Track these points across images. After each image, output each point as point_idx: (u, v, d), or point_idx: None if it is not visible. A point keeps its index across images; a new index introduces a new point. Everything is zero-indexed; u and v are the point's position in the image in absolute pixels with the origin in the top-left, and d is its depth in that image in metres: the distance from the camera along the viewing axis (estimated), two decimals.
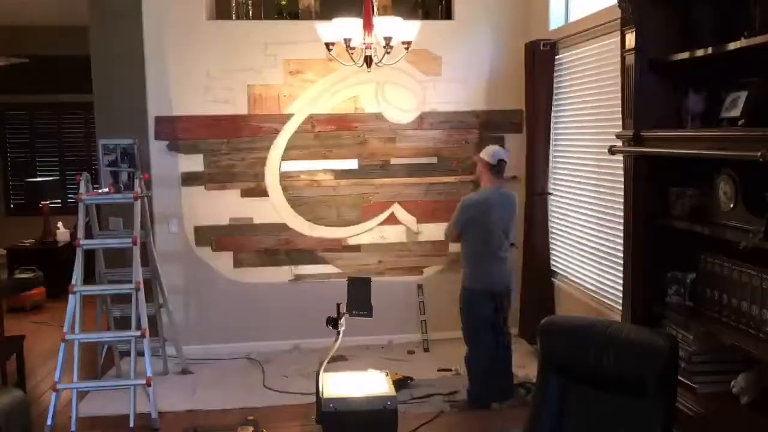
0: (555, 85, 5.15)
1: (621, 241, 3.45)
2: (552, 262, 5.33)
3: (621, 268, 3.48)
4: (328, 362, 2.76)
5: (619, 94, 3.35)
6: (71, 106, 8.76)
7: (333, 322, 2.82)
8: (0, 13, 7.18)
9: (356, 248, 5.66)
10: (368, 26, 4.00)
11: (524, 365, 4.97)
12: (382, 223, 5.68)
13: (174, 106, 5.41)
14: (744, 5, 2.63)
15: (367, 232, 5.67)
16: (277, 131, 5.51)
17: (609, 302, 4.35)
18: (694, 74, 2.95)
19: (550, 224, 5.32)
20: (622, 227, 3.38)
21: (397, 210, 5.68)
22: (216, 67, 5.40)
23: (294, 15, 5.63)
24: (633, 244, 3.20)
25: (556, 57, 5.10)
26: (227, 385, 4.86)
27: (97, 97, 5.39)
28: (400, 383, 4.45)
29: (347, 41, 4.05)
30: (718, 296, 2.80)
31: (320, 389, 2.67)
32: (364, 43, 4.06)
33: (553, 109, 5.18)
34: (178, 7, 5.35)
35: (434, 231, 5.61)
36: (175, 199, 5.45)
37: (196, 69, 5.39)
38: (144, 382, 4.26)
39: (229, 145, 5.46)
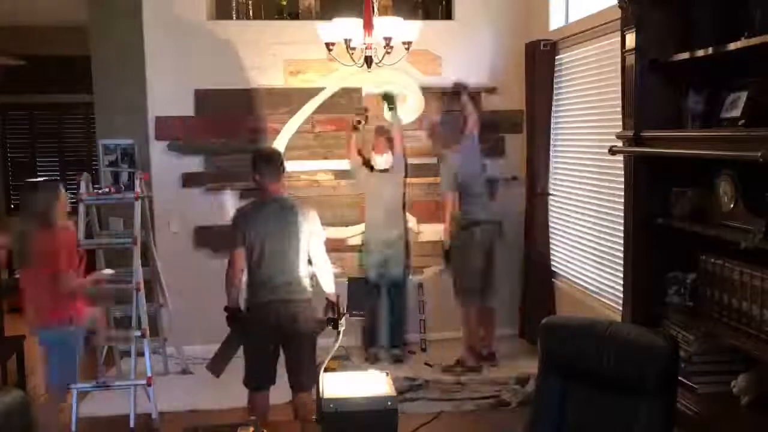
0: (555, 86, 5.16)
1: (621, 241, 3.45)
2: (552, 262, 5.33)
3: (621, 268, 3.48)
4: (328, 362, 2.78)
5: (620, 95, 3.35)
6: (71, 106, 8.74)
7: (333, 322, 2.82)
8: (0, 13, 7.17)
9: (356, 248, 5.66)
10: (368, 26, 4.01)
11: (525, 365, 4.96)
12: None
13: (174, 106, 5.40)
14: (744, 5, 2.63)
15: None
16: (277, 131, 5.51)
17: (609, 302, 4.35)
18: (694, 74, 2.95)
19: (551, 224, 5.32)
20: (622, 227, 3.38)
21: None
22: (216, 67, 5.40)
23: (294, 15, 5.64)
24: (633, 244, 3.20)
25: (556, 57, 5.10)
26: (227, 385, 4.85)
27: (97, 97, 5.39)
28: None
29: (348, 41, 4.06)
30: (719, 296, 2.80)
31: (320, 389, 2.67)
32: (365, 44, 4.07)
33: (554, 109, 5.19)
34: (178, 7, 5.35)
35: (435, 231, 5.60)
36: (175, 200, 5.45)
37: (196, 69, 5.39)
38: (144, 382, 4.27)
39: (229, 146, 5.45)
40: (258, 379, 3.68)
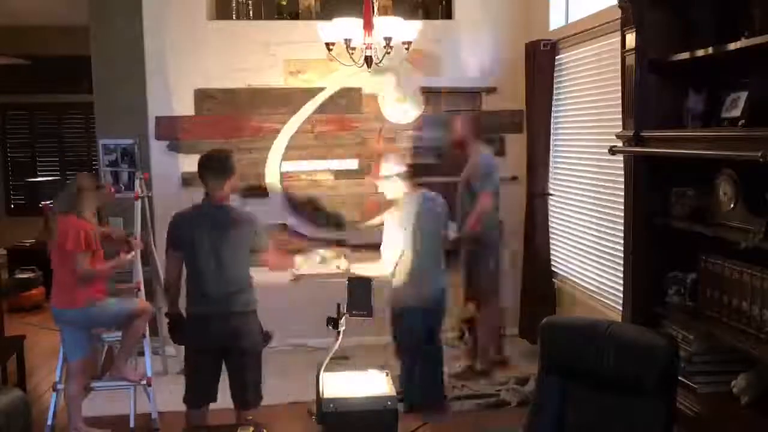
0: (555, 85, 5.15)
1: (621, 241, 3.45)
2: (552, 262, 5.33)
3: (621, 268, 3.48)
4: (328, 362, 2.77)
5: (619, 95, 3.35)
6: (71, 106, 8.75)
7: (333, 322, 2.81)
8: (0, 13, 7.18)
9: (356, 248, 5.65)
10: (368, 26, 4.01)
11: (525, 365, 4.96)
12: (382, 223, 5.67)
13: (174, 106, 5.41)
14: (744, 5, 2.63)
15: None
16: (277, 131, 5.51)
17: (609, 302, 4.35)
18: (694, 74, 2.95)
19: (551, 224, 5.32)
20: (622, 227, 3.38)
21: None
22: (216, 67, 5.40)
23: (294, 15, 5.64)
24: (633, 244, 3.20)
25: (556, 57, 5.10)
26: (226, 385, 4.84)
27: (97, 97, 5.39)
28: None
29: (348, 41, 4.06)
30: (719, 296, 2.80)
31: (320, 389, 2.67)
32: (365, 44, 4.07)
33: (554, 109, 5.19)
34: (178, 7, 5.35)
35: None
36: (175, 199, 5.43)
37: (196, 69, 5.39)
38: (144, 382, 4.26)
39: (229, 145, 5.45)
40: (197, 397, 3.50)
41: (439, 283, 4.23)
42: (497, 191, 4.78)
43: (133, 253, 4.33)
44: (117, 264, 4.14)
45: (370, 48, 4.08)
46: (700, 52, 2.76)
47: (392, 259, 4.18)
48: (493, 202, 4.72)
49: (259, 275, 5.44)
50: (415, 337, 4.22)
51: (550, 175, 5.27)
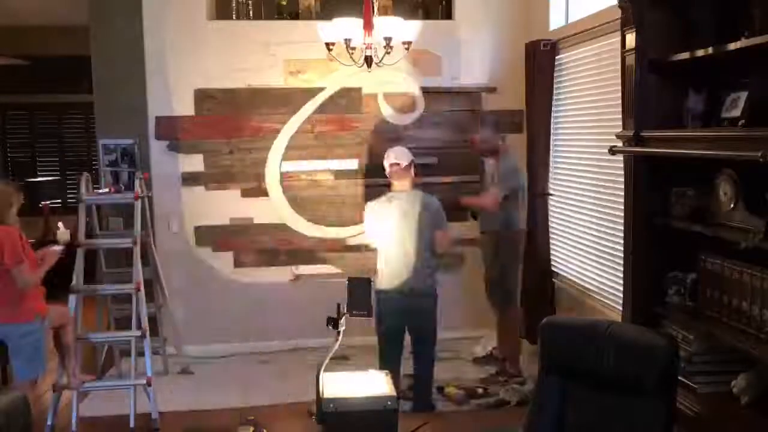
0: (555, 85, 5.15)
1: (621, 241, 3.46)
2: (552, 262, 5.32)
3: (621, 268, 3.48)
4: (328, 362, 2.78)
5: (620, 95, 3.35)
6: (71, 106, 8.75)
7: (333, 322, 2.82)
8: (0, 13, 7.18)
9: (357, 248, 5.66)
10: (368, 26, 4.01)
11: (525, 365, 4.97)
12: None
13: (174, 106, 5.41)
14: (744, 5, 2.63)
15: None
16: (277, 131, 5.51)
17: (609, 302, 4.35)
18: (694, 74, 2.95)
19: (551, 224, 5.32)
20: (622, 227, 3.38)
21: None
22: (216, 67, 5.40)
23: (294, 15, 5.64)
24: (633, 244, 3.20)
25: (557, 57, 5.10)
26: (227, 385, 4.85)
27: (97, 97, 5.39)
28: None
29: (348, 41, 4.06)
30: (719, 296, 2.80)
31: (320, 389, 2.67)
32: (365, 43, 4.07)
33: (554, 109, 5.18)
34: (178, 7, 5.35)
35: None
36: (175, 199, 5.45)
37: (196, 69, 5.39)
38: (144, 382, 4.27)
39: (229, 145, 5.46)
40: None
41: None
42: (514, 194, 4.80)
43: (57, 247, 4.18)
44: (48, 264, 4.03)
45: (370, 48, 4.08)
46: (700, 52, 2.76)
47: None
48: (512, 204, 4.79)
49: (258, 275, 5.52)
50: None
51: (550, 175, 5.27)
